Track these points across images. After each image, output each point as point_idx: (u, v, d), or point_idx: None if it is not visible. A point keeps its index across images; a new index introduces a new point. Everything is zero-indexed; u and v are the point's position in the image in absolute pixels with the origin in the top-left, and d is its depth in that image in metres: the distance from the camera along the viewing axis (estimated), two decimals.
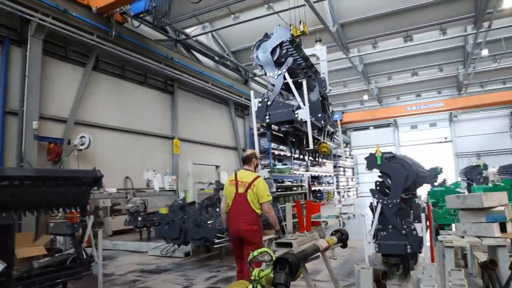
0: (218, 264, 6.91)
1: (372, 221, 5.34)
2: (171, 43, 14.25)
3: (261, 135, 19.97)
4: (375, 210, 5.22)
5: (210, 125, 17.04)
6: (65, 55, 10.52)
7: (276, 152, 19.50)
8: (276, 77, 5.39)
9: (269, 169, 10.08)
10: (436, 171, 13.31)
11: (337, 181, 31.65)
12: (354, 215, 15.03)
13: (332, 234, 3.66)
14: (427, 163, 13.35)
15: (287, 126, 5.71)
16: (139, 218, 8.93)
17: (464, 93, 25.84)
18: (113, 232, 10.13)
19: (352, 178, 37.29)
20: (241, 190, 4.27)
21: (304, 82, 5.38)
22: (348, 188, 34.46)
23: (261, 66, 5.63)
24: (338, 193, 31.09)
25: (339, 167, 32.93)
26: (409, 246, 4.92)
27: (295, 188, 12.29)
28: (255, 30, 17.24)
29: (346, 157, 35.66)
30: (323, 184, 27.12)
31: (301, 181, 12.73)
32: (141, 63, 12.11)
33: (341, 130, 37.20)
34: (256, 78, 21.46)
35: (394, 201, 5.02)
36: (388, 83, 24.01)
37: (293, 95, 5.66)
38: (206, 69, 15.60)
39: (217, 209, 10.75)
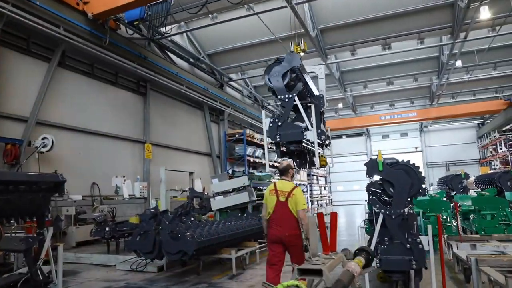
0: (196, 280, 6.22)
1: (366, 233, 4.85)
2: (144, 41, 13.46)
3: (235, 141, 19.48)
4: (376, 221, 4.72)
5: (184, 129, 16.29)
6: (26, 48, 9.58)
7: (251, 159, 18.92)
8: (286, 100, 5.68)
9: (248, 176, 9.46)
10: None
11: (310, 190, 31.41)
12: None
13: (356, 254, 3.10)
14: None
15: (295, 145, 5.92)
16: (107, 228, 8.06)
17: (436, 103, 26.28)
18: (77, 243, 9.18)
19: (325, 187, 37.21)
20: (282, 199, 4.68)
21: (313, 106, 5.74)
22: (322, 197, 34.30)
23: (271, 88, 5.91)
24: (312, 202, 30.86)
25: (313, 175, 32.73)
26: (414, 262, 4.44)
27: None
28: (232, 33, 16.86)
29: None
30: None
31: None
32: (112, 61, 11.28)
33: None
34: (232, 83, 20.90)
35: (398, 212, 4.54)
36: (364, 91, 24.03)
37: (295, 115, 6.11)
38: (180, 71, 14.89)
39: (192, 218, 10.13)
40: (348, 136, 38.47)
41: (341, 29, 15.76)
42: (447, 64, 18.68)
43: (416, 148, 37.22)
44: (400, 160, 5.02)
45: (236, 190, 9.33)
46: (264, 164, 20.69)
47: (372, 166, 4.77)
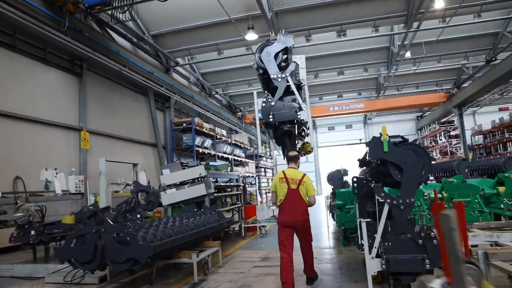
0: None
1: (364, 228, 4.05)
2: (80, 15, 11.69)
3: (183, 131, 18.12)
4: (379, 212, 3.92)
5: (127, 117, 14.68)
6: None
7: (200, 150, 17.70)
8: (279, 79, 5.66)
9: (205, 166, 8.34)
10: (340, 173, 12.83)
11: (259, 182, 30.82)
12: None
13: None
14: (343, 164, 13.03)
15: (288, 125, 5.73)
16: (32, 232, 6.54)
17: (382, 95, 26.72)
18: None
19: (272, 179, 36.87)
20: (293, 186, 4.99)
21: (306, 87, 5.90)
22: (269, 189, 33.91)
23: (261, 68, 5.83)
24: (260, 194, 30.26)
25: (261, 167, 32.17)
26: (427, 261, 3.69)
27: (229, 189, 10.71)
28: (180, 12, 15.44)
29: (267, 158, 35.14)
30: (247, 185, 25.92)
31: (236, 180, 11.17)
32: (39, 32, 9.52)
33: (261, 130, 36.74)
34: (178, 68, 19.43)
35: (408, 201, 3.75)
36: (315, 81, 23.66)
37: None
38: (122, 50, 13.26)
39: (138, 215, 8.84)
40: None
41: (297, 13, 15.01)
42: (398, 55, 18.74)
43: (360, 140, 38.10)
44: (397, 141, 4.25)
45: (191, 182, 8.19)
46: (214, 155, 19.67)
47: (375, 147, 3.93)
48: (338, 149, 37.38)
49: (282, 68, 5.75)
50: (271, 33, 15.31)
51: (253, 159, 29.77)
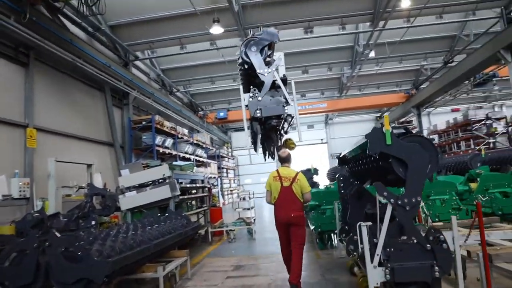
0: None
1: (365, 232, 3.52)
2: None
3: (142, 129, 17.04)
4: (380, 214, 3.40)
5: (80, 113, 13.47)
6: None
7: (161, 150, 16.71)
8: (266, 74, 5.54)
9: (169, 166, 7.56)
10: (311, 173, 12.62)
11: (221, 183, 30.07)
12: (254, 220, 13.40)
13: None
14: (306, 163, 12.71)
15: (275, 120, 5.75)
16: None
17: (344, 95, 26.84)
18: None
19: (234, 180, 36.21)
20: (286, 184, 5.20)
21: (293, 82, 5.81)
22: (231, 190, 33.23)
23: (246, 63, 5.62)
24: (223, 195, 29.53)
25: (223, 168, 31.45)
26: (436, 268, 3.22)
27: (194, 191, 9.96)
28: (140, 2, 14.49)
29: (229, 158, 34.48)
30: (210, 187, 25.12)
31: (202, 181, 10.42)
32: None
33: (222, 130, 36.11)
34: (138, 63, 18.32)
35: (414, 200, 3.27)
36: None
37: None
38: (77, 40, 12.10)
39: (93, 222, 7.92)
40: None
41: (265, 7, 14.48)
42: (362, 54, 18.71)
43: (321, 139, 38.37)
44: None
45: (154, 184, 7.39)
46: (175, 156, 18.72)
47: (376, 139, 3.42)
48: (299, 149, 37.33)
49: (267, 63, 5.68)
50: (239, 27, 14.81)
51: (215, 160, 28.99)
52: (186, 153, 20.38)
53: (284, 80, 5.79)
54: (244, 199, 13.06)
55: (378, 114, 36.75)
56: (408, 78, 26.41)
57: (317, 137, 38.25)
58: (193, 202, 9.56)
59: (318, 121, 38.53)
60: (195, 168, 9.17)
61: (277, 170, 5.45)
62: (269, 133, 6.51)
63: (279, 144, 6.97)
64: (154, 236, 5.02)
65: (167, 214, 6.70)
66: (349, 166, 6.24)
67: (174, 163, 9.74)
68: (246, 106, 5.71)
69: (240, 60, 5.74)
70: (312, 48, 19.74)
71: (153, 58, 19.11)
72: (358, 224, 3.59)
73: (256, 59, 5.56)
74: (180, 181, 9.35)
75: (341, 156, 6.50)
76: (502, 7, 15.53)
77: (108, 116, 15.21)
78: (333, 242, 7.68)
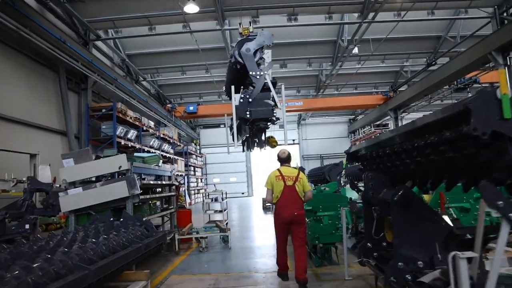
0: None
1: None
2: None
3: (102, 118, 15.08)
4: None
5: (26, 94, 11.45)
6: None
7: (123, 142, 14.81)
8: (258, 77, 5.56)
9: (128, 157, 5.92)
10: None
11: (188, 182, 28.26)
12: (227, 223, 11.84)
13: None
14: (277, 164, 11.49)
15: (264, 123, 5.80)
16: None
17: (321, 94, 25.78)
18: None
19: (201, 179, 34.44)
20: (289, 183, 5.31)
21: (283, 86, 6.07)
22: (198, 189, 31.48)
23: (239, 63, 5.68)
24: (190, 195, 27.75)
25: (190, 165, 29.64)
26: None
27: (159, 189, 8.30)
28: None
29: (197, 156, 32.70)
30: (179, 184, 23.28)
31: (169, 178, 8.74)
32: None
33: (190, 126, 34.23)
34: (100, 45, 16.34)
35: None
36: None
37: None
38: (23, 5, 10.12)
39: (26, 226, 6.23)
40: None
41: None
42: (347, 49, 17.59)
43: (293, 140, 37.29)
44: None
45: (106, 179, 5.71)
46: (139, 150, 16.82)
47: (486, 110, 1.98)
48: (270, 150, 36.12)
49: (258, 65, 5.71)
50: (217, 8, 13.25)
51: (183, 157, 27.16)
52: (151, 147, 18.52)
53: (274, 83, 5.77)
54: (215, 200, 11.48)
55: (352, 117, 36.16)
56: (387, 80, 25.72)
57: (288, 137, 37.06)
58: (158, 203, 7.86)
59: (290, 121, 37.39)
60: (161, 161, 7.53)
61: (278, 169, 5.47)
62: (256, 133, 6.48)
63: (263, 141, 6.91)
64: (98, 255, 3.42)
65: (122, 220, 5.07)
66: (364, 163, 4.90)
67: (136, 154, 8.05)
68: (237, 106, 5.63)
69: (233, 60, 5.75)
70: (294, 40, 18.42)
71: (117, 38, 17.14)
72: (451, 254, 2.17)
73: (249, 61, 5.56)
74: (143, 176, 7.70)
75: (351, 150, 5.14)
76: (495, 7, 14.84)
77: (61, 101, 13.20)
78: (331, 256, 6.27)
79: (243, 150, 8.67)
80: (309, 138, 36.62)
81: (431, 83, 19.42)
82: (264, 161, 31.41)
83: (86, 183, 5.65)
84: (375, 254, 3.84)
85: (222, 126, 36.85)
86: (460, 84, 20.74)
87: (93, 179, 6.18)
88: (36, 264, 2.72)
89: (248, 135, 6.05)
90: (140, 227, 4.91)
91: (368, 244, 3.91)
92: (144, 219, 5.39)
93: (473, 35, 16.68)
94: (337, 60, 19.45)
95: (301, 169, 11.37)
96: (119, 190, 5.42)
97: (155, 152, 19.03)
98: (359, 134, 32.58)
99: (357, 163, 5.23)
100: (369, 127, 29.66)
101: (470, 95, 26.88)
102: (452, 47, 18.35)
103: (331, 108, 26.49)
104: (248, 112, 5.53)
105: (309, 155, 36.05)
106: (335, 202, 6.19)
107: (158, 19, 14.36)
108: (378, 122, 29.27)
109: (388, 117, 27.19)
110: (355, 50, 17.88)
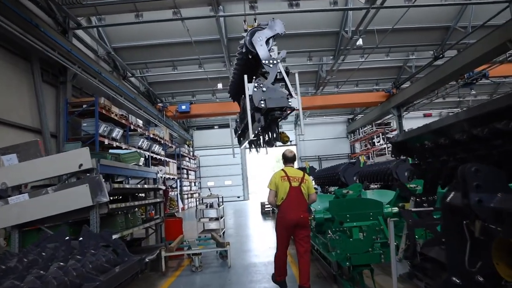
0: None
1: None
2: None
3: (83, 114, 13.56)
4: None
5: None
6: None
7: (106, 142, 13.27)
8: (271, 65, 5.54)
9: (94, 153, 4.46)
10: (305, 172, 9.84)
11: (180, 186, 26.73)
12: (223, 234, 10.36)
13: None
14: (277, 166, 10.17)
15: (278, 112, 5.53)
16: None
17: (320, 92, 24.45)
18: None
19: (195, 183, 32.90)
20: (295, 184, 5.09)
21: (297, 74, 5.81)
22: (191, 193, 29.94)
23: (251, 52, 5.62)
24: (182, 200, 26.25)
25: (183, 168, 28.13)
26: None
27: (142, 194, 6.81)
28: None
29: (190, 158, 31.18)
30: (168, 189, 21.75)
31: (155, 181, 7.22)
32: None
33: (183, 127, 32.70)
34: (81, 35, 14.84)
35: None
36: None
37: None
38: None
39: None
40: (221, 126, 35.10)
41: None
42: (350, 40, 16.26)
43: (291, 141, 35.93)
44: None
45: (64, 182, 4.23)
46: (126, 150, 15.31)
47: None
48: (266, 151, 34.76)
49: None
50: None
51: (175, 159, 25.64)
52: (140, 148, 17.00)
53: (287, 72, 5.68)
54: (211, 206, 10.01)
55: (351, 116, 34.91)
56: (389, 76, 24.49)
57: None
58: (138, 213, 6.31)
59: (287, 121, 36.02)
60: (142, 159, 6.05)
61: (283, 170, 5.30)
62: (270, 125, 6.22)
63: (277, 135, 6.52)
64: None
65: (81, 239, 3.61)
66: (419, 157, 3.54)
67: (112, 151, 6.56)
68: (250, 96, 5.47)
69: (244, 49, 5.66)
70: (294, 31, 17.03)
71: (100, 27, 15.61)
72: None
73: (262, 49, 5.49)
74: (120, 179, 6.21)
75: (397, 140, 3.77)
76: None
77: (35, 95, 11.67)
78: (363, 281, 4.82)
79: (250, 151, 8.57)
80: (306, 139, 35.24)
81: (438, 78, 18.35)
82: (260, 163, 30.08)
83: (35, 188, 4.20)
84: None
85: (216, 127, 35.45)
86: (468, 78, 19.58)
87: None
88: None
89: (263, 125, 5.64)
90: (106, 249, 3.47)
91: (454, 279, 2.51)
92: (116, 236, 3.94)
93: (484, 24, 15.52)
94: (339, 54, 18.13)
95: (311, 170, 10.02)
96: (79, 197, 3.93)
97: (144, 154, 17.57)
98: (359, 134, 31.34)
99: (405, 157, 3.83)
100: (370, 126, 28.41)
101: (473, 92, 25.93)
102: (462, 37, 17.16)
103: (331, 106, 25.19)
104: (262, 101, 5.33)
105: (307, 156, 34.67)
106: (367, 208, 4.77)
107: (145, 4, 12.86)
108: (379, 121, 28.03)
109: (390, 115, 26.05)
110: (360, 42, 16.55)
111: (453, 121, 2.77)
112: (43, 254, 3.28)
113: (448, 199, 2.58)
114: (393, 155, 3.88)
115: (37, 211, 3.93)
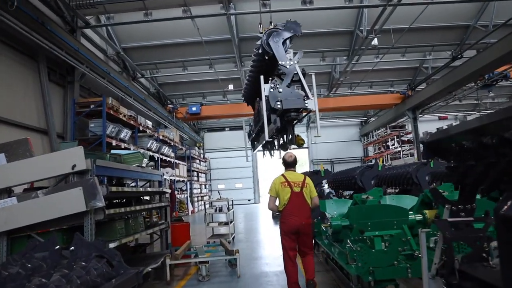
0: None
1: None
2: None
3: (90, 115, 13.31)
4: None
5: (0, 86, 9.75)
6: None
7: (114, 143, 12.96)
8: (288, 66, 5.44)
9: (93, 156, 4.09)
10: (320, 175, 9.60)
11: (190, 188, 26.43)
12: (233, 239, 9.93)
13: None
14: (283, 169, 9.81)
15: (295, 113, 5.36)
16: None
17: (333, 93, 23.91)
18: None
19: (205, 185, 32.56)
20: (296, 189, 5.03)
21: (313, 75, 5.66)
22: (202, 196, 29.60)
23: (267, 53, 5.55)
24: (192, 202, 25.94)
25: (193, 171, 27.81)
26: None
27: (146, 198, 6.42)
28: None
29: (200, 160, 30.86)
30: (176, 192, 21.45)
31: (160, 183, 6.83)
32: None
33: (194, 129, 32.43)
34: (91, 35, 14.63)
35: None
36: None
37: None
38: None
39: None
40: (232, 128, 34.68)
41: None
42: (366, 39, 15.74)
43: (302, 144, 35.43)
44: None
45: (56, 185, 3.86)
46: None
47: None
48: (277, 155, 34.30)
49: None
50: None
51: (185, 161, 25.33)
52: (149, 149, 16.72)
53: (303, 73, 5.59)
54: (220, 210, 9.60)
55: (364, 119, 34.22)
56: (404, 78, 23.84)
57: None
58: (141, 218, 5.88)
59: (299, 124, 35.47)
60: (145, 160, 5.69)
61: (283, 175, 5.26)
62: (285, 127, 6.00)
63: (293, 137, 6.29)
64: None
65: (72, 248, 3.24)
66: (456, 159, 3.09)
67: (113, 151, 6.20)
68: (267, 96, 5.40)
69: (261, 50, 5.61)
70: (307, 30, 16.57)
71: (109, 25, 15.36)
72: None
73: (279, 50, 5.45)
74: (126, 181, 5.83)
75: (431, 139, 3.30)
76: None
77: (41, 94, 11.43)
78: None
79: (264, 154, 8.39)
80: (318, 141, 34.62)
81: (456, 79, 17.72)
82: (271, 166, 29.55)
83: (27, 191, 3.84)
84: None
85: (227, 129, 35.06)
86: (488, 80, 18.85)
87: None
88: None
89: (279, 126, 5.44)
90: (99, 260, 3.08)
91: None
92: (114, 244, 3.55)
93: (507, 23, 14.90)
94: (353, 54, 17.61)
95: (326, 173, 9.56)
96: (71, 202, 3.54)
97: (153, 156, 17.25)
98: (372, 137, 30.66)
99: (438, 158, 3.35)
100: (384, 129, 27.73)
101: (491, 94, 25.10)
102: (482, 37, 16.48)
103: (344, 108, 24.63)
104: (278, 102, 5.21)
105: (319, 159, 34.05)
106: (390, 216, 4.29)
107: (154, 2, 12.55)
108: (393, 124, 27.34)
109: (405, 118, 25.38)
110: (375, 41, 15.99)
111: (507, 115, 2.30)
112: (29, 265, 2.90)
113: (503, 210, 2.11)
114: (424, 157, 3.40)
115: (26, 216, 3.54)
